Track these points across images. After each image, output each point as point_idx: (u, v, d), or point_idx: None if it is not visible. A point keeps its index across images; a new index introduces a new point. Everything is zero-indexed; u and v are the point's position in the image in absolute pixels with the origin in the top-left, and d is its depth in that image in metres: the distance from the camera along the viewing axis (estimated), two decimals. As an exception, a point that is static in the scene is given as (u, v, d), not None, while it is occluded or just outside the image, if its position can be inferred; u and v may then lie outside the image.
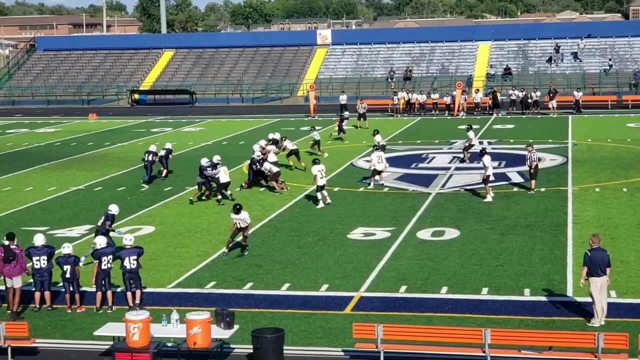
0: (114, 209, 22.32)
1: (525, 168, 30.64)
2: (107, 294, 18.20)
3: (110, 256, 18.25)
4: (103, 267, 18.13)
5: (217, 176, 29.21)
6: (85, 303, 18.46)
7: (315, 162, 28.60)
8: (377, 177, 31.34)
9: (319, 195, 28.21)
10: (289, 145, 35.40)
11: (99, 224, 21.92)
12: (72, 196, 31.37)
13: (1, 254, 18.02)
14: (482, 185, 29.09)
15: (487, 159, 29.08)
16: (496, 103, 56.54)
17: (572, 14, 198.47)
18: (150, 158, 33.21)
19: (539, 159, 30.11)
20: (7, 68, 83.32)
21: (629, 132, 44.97)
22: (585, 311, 17.07)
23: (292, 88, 71.44)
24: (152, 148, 34.13)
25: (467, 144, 36.84)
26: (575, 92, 56.64)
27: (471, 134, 36.93)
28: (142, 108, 69.25)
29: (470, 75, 69.02)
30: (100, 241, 18.59)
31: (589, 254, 16.50)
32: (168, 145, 35.27)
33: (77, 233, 25.25)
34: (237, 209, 22.05)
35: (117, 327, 15.46)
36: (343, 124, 44.93)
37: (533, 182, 29.45)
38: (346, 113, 49.88)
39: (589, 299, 16.87)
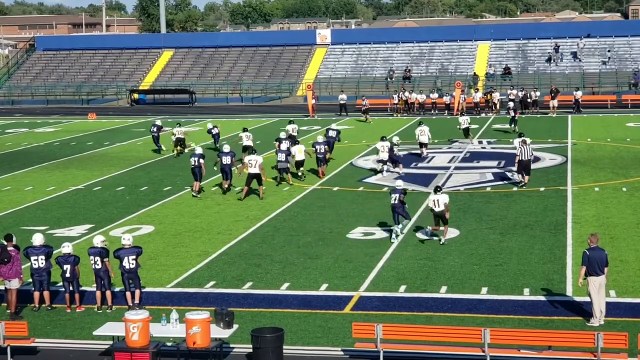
0: (401, 183, 24.18)
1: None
2: (106, 293, 18.19)
3: (97, 257, 18.11)
4: (93, 266, 18.09)
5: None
6: (84, 303, 18.45)
7: (382, 138, 33.52)
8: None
9: (378, 166, 32.97)
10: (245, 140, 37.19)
11: (395, 201, 23.08)
12: (71, 196, 31.37)
13: None
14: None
15: (516, 141, 31.48)
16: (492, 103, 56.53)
17: (572, 13, 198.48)
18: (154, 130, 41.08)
19: (532, 154, 30.55)
20: (6, 68, 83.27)
21: (629, 132, 44.96)
22: (584, 311, 17.07)
23: (291, 88, 71.43)
24: (158, 122, 42.43)
25: (462, 129, 40.69)
26: (575, 92, 56.68)
27: (461, 118, 41.21)
28: (142, 108, 69.25)
29: (475, 73, 69.02)
30: (95, 241, 18.50)
31: (588, 253, 16.51)
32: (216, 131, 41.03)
33: (77, 233, 25.25)
34: (437, 189, 22.97)
35: (117, 326, 15.46)
36: (515, 116, 45.69)
37: (519, 176, 30.17)
38: (510, 104, 48.50)
39: (588, 299, 16.87)
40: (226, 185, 30.68)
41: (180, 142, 40.70)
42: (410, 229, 24.44)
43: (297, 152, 32.53)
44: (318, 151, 33.12)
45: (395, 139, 34.89)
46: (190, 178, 31.19)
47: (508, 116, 47.14)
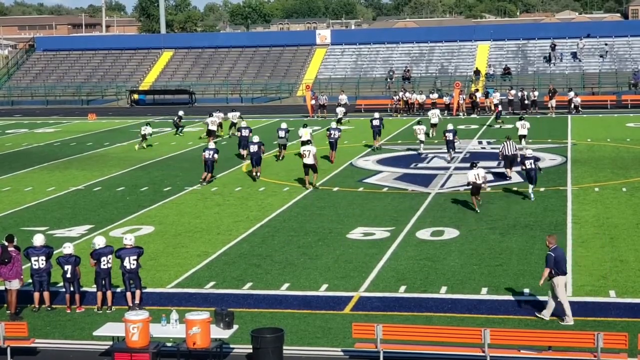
0: (531, 152, 28.71)
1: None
2: (107, 294, 18.19)
3: (110, 256, 18.23)
4: (102, 266, 18.12)
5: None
6: (84, 303, 18.44)
7: (419, 122, 39.87)
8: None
9: (420, 147, 38.56)
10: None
11: (531, 165, 27.68)
12: (71, 196, 31.36)
13: None
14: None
15: (519, 124, 38.27)
16: (475, 104, 56.52)
17: (571, 13, 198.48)
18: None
19: (517, 149, 31.83)
20: (6, 68, 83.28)
21: (628, 132, 44.98)
22: (584, 311, 17.07)
23: (291, 88, 71.45)
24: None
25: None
26: (568, 92, 56.86)
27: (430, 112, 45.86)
28: (142, 108, 69.24)
29: (477, 68, 69.01)
30: (99, 241, 18.54)
31: (553, 254, 16.67)
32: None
33: (77, 233, 25.24)
34: (474, 164, 27.12)
35: (117, 327, 15.45)
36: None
37: (507, 170, 31.68)
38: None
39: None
40: (255, 173, 33.08)
41: (232, 125, 47.19)
42: (410, 229, 24.49)
43: (303, 134, 36.53)
44: (332, 136, 36.71)
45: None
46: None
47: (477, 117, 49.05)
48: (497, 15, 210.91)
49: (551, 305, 16.75)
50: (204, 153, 32.29)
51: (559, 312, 16.75)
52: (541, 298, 18.06)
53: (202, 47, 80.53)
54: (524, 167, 28.25)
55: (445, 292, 18.71)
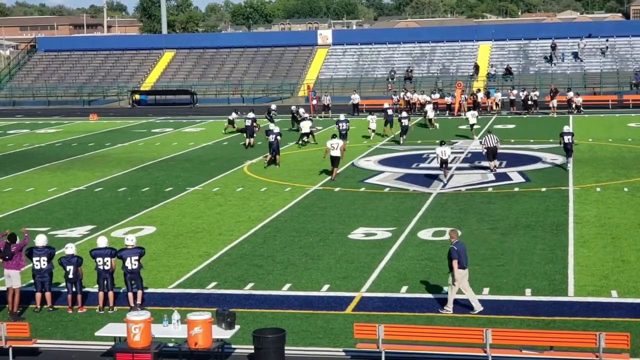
0: (570, 128, 33.74)
1: (527, 167, 31.32)
2: (108, 294, 18.19)
3: (108, 258, 18.19)
4: (99, 267, 18.11)
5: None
6: (86, 304, 18.45)
7: (371, 113, 47.40)
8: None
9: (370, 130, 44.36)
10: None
11: (569, 140, 32.60)
12: (73, 197, 31.37)
13: (1, 248, 18.08)
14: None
15: (469, 114, 44.12)
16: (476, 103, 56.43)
17: (573, 13, 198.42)
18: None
19: (498, 141, 33.50)
20: (7, 69, 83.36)
21: (630, 132, 44.96)
22: (585, 311, 17.06)
23: (292, 88, 71.47)
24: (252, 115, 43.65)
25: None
26: (567, 92, 56.94)
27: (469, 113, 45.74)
28: (143, 108, 69.27)
29: (476, 64, 68.95)
30: (100, 242, 18.54)
31: (456, 248, 17.06)
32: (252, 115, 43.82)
33: (79, 234, 25.25)
34: (442, 143, 31.37)
35: (118, 327, 15.46)
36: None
37: (489, 162, 33.39)
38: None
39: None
40: (276, 161, 36.02)
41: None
42: (411, 229, 24.49)
43: (304, 126, 42.16)
44: (341, 128, 39.43)
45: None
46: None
47: (479, 117, 48.48)
48: (499, 15, 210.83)
49: (451, 298, 17.23)
50: (268, 137, 35.81)
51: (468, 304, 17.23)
52: (543, 298, 18.08)
53: (204, 47, 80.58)
54: (562, 142, 32.62)
55: (447, 292, 18.68)
